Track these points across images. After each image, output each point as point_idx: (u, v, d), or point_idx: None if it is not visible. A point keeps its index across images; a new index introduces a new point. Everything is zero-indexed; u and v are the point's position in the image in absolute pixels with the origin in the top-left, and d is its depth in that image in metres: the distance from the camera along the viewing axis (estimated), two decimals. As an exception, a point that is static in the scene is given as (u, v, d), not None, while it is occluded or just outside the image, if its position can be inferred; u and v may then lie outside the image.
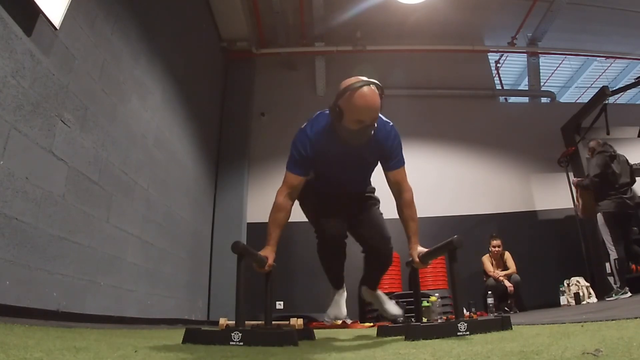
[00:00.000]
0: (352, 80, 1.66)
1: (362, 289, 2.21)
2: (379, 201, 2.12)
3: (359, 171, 1.97)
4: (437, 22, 6.28)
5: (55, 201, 2.18)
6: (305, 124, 1.84)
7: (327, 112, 1.81)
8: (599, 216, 4.26)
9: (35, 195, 2.02)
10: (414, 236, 1.81)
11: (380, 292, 2.21)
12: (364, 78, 1.67)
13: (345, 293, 2.15)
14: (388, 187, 1.90)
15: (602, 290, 4.62)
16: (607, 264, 4.35)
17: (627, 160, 4.42)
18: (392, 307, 2.18)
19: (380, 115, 1.79)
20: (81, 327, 2.06)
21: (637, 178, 4.55)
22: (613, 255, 4.09)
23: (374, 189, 2.13)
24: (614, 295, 4.01)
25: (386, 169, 1.88)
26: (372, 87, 1.66)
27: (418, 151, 5.96)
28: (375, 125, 1.71)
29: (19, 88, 1.93)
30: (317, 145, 1.78)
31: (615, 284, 4.06)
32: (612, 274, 4.18)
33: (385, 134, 1.81)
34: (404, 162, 1.87)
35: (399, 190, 1.86)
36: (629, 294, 3.92)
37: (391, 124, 1.84)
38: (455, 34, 6.50)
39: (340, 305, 2.09)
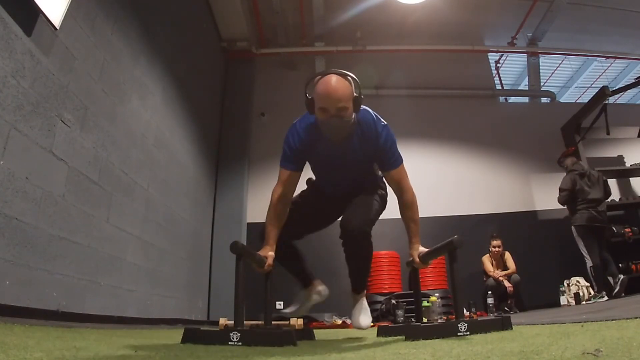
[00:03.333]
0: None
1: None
2: (379, 188, 1.94)
3: (351, 169, 1.86)
4: (437, 22, 6.28)
5: (55, 201, 2.18)
6: (296, 120, 1.83)
7: None
8: (573, 229, 4.56)
9: (35, 195, 2.02)
10: (414, 237, 1.77)
11: (361, 298, 1.98)
12: (344, 71, 1.64)
13: (308, 294, 2.06)
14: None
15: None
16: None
17: (600, 177, 4.67)
18: (362, 319, 1.94)
19: (371, 112, 1.74)
20: (81, 327, 2.06)
21: (632, 183, 4.66)
22: (589, 263, 4.39)
23: (381, 178, 1.95)
24: (592, 299, 4.31)
25: (383, 170, 1.82)
26: (342, 77, 1.62)
27: (418, 151, 5.96)
28: (350, 118, 1.63)
29: (19, 88, 1.93)
30: (306, 140, 1.76)
31: (593, 288, 4.38)
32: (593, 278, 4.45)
33: (375, 134, 1.72)
34: (401, 161, 1.78)
35: (399, 190, 1.80)
36: (606, 297, 4.18)
37: (384, 123, 1.74)
38: (455, 34, 6.50)
39: (299, 304, 2.07)
